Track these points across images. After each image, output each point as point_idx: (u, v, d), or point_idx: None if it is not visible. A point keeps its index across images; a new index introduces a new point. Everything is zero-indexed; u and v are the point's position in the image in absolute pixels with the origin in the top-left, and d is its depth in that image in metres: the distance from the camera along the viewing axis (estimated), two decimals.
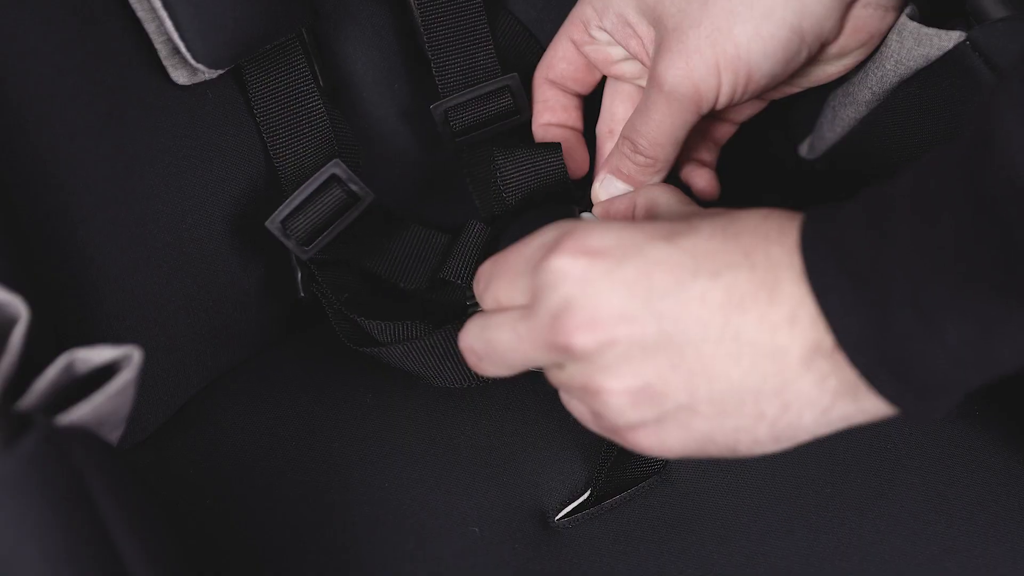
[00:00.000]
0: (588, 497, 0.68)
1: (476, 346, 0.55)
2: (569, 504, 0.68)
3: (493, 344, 0.54)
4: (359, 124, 0.75)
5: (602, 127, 0.73)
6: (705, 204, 0.72)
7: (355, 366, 0.72)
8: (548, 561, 0.66)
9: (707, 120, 0.72)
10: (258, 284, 0.72)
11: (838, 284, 0.47)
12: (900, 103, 0.67)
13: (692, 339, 0.49)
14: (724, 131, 0.73)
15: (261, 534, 0.66)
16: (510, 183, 0.71)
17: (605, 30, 0.68)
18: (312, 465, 0.68)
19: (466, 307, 0.70)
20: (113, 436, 0.54)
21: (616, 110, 0.72)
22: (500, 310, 0.54)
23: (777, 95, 0.70)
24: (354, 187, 0.70)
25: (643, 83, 0.70)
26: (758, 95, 0.65)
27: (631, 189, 0.67)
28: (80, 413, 0.49)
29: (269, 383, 0.72)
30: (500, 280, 0.55)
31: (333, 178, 0.69)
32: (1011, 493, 0.67)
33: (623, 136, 0.67)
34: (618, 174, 0.68)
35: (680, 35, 0.62)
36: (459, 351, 0.63)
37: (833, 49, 0.64)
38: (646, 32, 0.66)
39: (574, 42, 0.71)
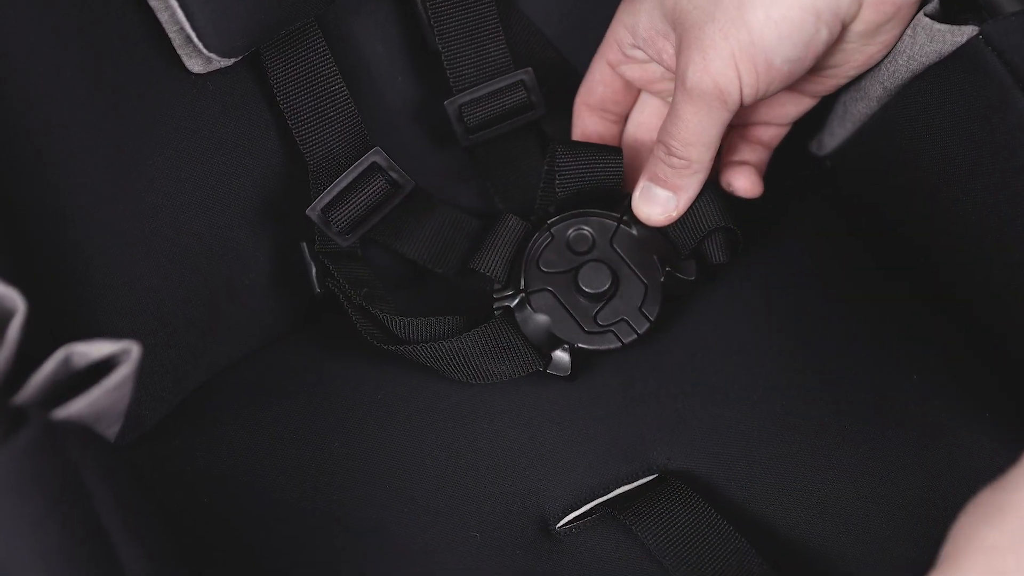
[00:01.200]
0: (591, 508, 0.68)
1: None
2: (571, 512, 0.68)
3: None
4: (364, 118, 0.75)
5: (626, 135, 0.75)
6: (747, 205, 0.73)
7: (357, 365, 0.72)
8: (549, 568, 0.66)
9: (752, 124, 0.73)
10: (261, 279, 0.73)
11: None
12: (912, 98, 0.67)
13: None
14: (772, 133, 0.73)
15: (258, 534, 0.66)
16: (567, 178, 0.71)
17: (639, 47, 0.70)
18: (311, 465, 0.68)
19: (492, 299, 0.70)
20: (110, 432, 0.54)
21: (641, 118, 0.74)
22: None
23: (824, 89, 0.70)
24: (395, 175, 0.71)
25: None
26: (788, 84, 0.65)
27: (671, 195, 0.68)
28: (77, 408, 0.49)
29: (269, 381, 0.73)
30: None
31: (374, 166, 0.70)
32: (991, 475, 0.67)
33: (658, 141, 0.68)
34: (656, 180, 0.69)
35: (697, 32, 0.63)
36: (484, 353, 0.67)
37: (858, 26, 0.64)
38: (673, 39, 0.67)
39: (610, 64, 0.72)
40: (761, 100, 0.65)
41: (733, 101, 0.64)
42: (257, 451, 0.69)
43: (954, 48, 0.63)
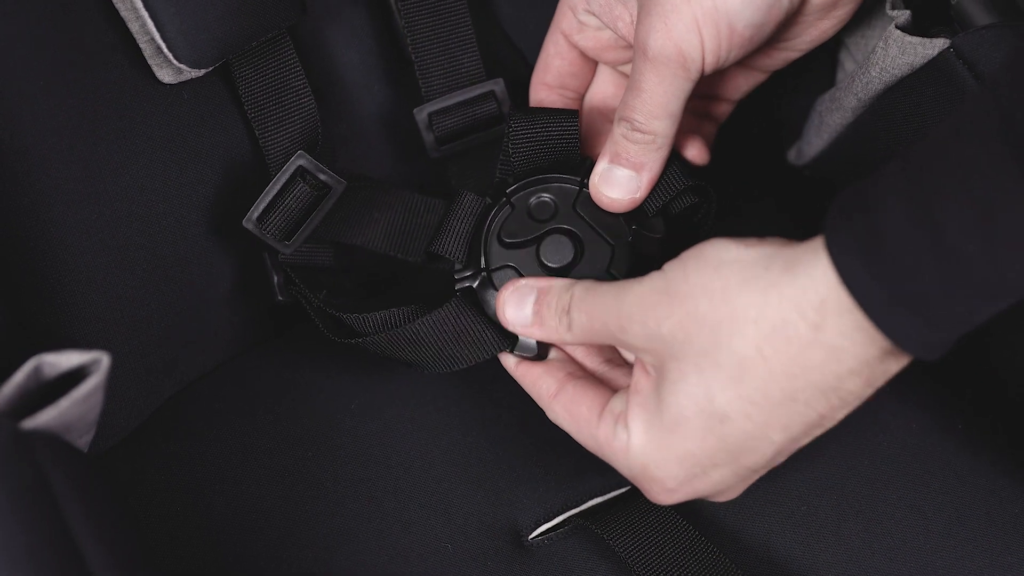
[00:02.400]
0: (564, 520, 0.69)
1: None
2: (544, 523, 0.69)
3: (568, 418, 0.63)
4: (338, 126, 0.76)
5: (584, 105, 0.73)
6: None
7: (330, 375, 0.73)
8: None
9: (702, 99, 0.72)
10: (234, 288, 0.73)
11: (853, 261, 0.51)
12: (885, 109, 0.68)
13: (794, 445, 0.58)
14: (722, 109, 0.73)
15: (229, 542, 0.67)
16: (522, 145, 0.69)
17: (593, 12, 0.69)
18: (284, 475, 0.69)
19: (454, 281, 0.69)
20: (82, 441, 0.55)
21: (597, 87, 0.73)
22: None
23: (775, 64, 0.69)
24: (323, 177, 0.70)
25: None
26: (748, 52, 0.64)
27: (633, 175, 0.66)
28: (46, 418, 0.50)
29: (243, 390, 0.73)
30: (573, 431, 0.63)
31: (300, 170, 0.70)
32: (991, 508, 0.68)
33: (618, 119, 0.66)
34: (618, 160, 0.66)
35: None
36: (442, 337, 0.66)
37: None
38: (631, 5, 0.66)
39: (564, 33, 0.71)
40: (719, 70, 0.64)
41: (696, 68, 0.63)
42: (230, 460, 0.70)
43: (926, 60, 0.64)
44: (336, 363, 0.73)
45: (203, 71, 0.66)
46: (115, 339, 0.67)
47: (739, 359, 0.54)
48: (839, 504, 0.69)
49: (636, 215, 0.68)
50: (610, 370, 0.65)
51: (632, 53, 0.67)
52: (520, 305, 0.64)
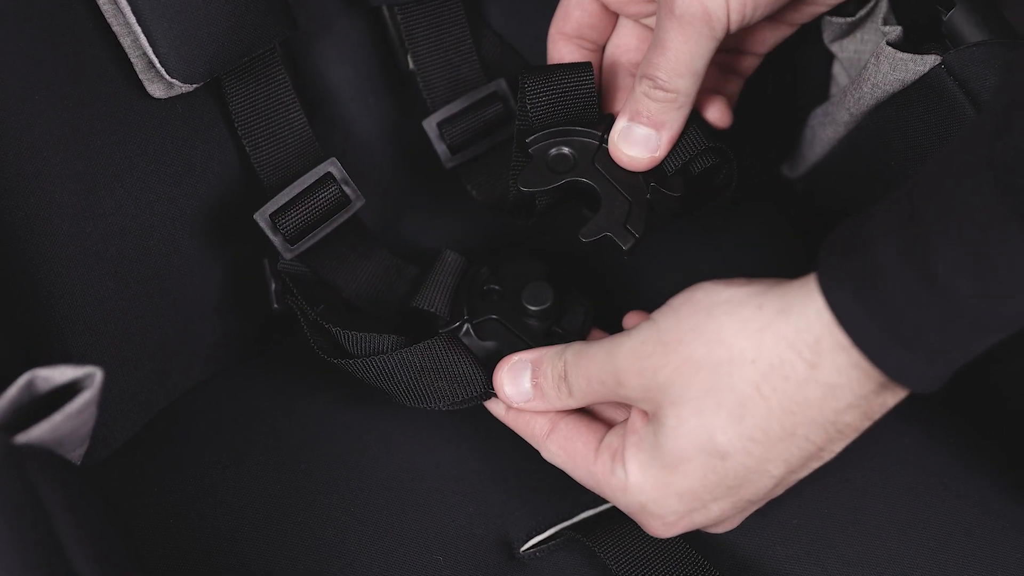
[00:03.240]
0: (555, 533, 0.69)
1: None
2: (535, 535, 0.69)
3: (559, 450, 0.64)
4: (334, 140, 0.77)
5: (605, 59, 0.72)
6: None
7: (324, 386, 0.74)
8: None
9: (728, 53, 0.72)
10: (227, 300, 0.74)
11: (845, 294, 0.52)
12: (877, 125, 0.69)
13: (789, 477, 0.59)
14: (748, 63, 0.73)
15: (222, 556, 0.67)
16: (538, 102, 0.68)
17: None
18: (276, 487, 0.70)
19: (439, 334, 0.70)
20: (75, 455, 0.55)
21: (619, 40, 0.72)
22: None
23: (803, 17, 0.69)
24: (347, 189, 0.71)
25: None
26: (773, 10, 0.64)
27: (653, 133, 0.66)
28: (38, 433, 0.51)
29: (237, 401, 0.74)
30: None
31: (328, 176, 0.71)
32: (983, 525, 0.69)
33: (640, 76, 0.65)
34: (638, 118, 0.66)
35: None
36: (430, 369, 0.66)
37: None
38: None
39: None
40: (744, 28, 0.65)
41: (721, 26, 0.63)
42: (223, 472, 0.71)
43: (917, 77, 0.65)
44: (329, 376, 0.73)
45: (194, 86, 0.67)
46: (108, 351, 0.68)
47: (739, 398, 0.56)
48: (830, 518, 0.69)
49: (655, 173, 0.67)
50: (600, 404, 0.66)
51: (654, 6, 0.67)
52: (517, 382, 0.65)
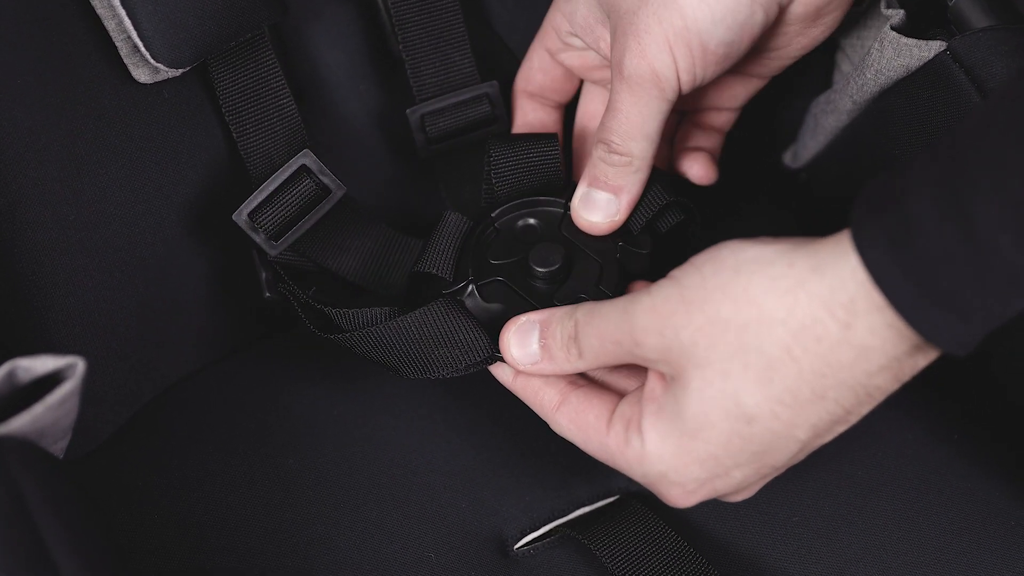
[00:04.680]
0: (551, 530, 0.69)
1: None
2: (530, 532, 0.69)
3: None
4: (325, 126, 0.77)
5: (576, 126, 0.74)
6: (704, 194, 0.73)
7: (313, 380, 0.73)
8: None
9: (702, 110, 0.73)
10: (214, 290, 0.74)
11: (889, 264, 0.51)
12: (880, 112, 0.69)
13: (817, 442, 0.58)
14: (724, 118, 0.74)
15: (208, 552, 0.67)
16: (503, 171, 0.71)
17: (576, 35, 0.70)
18: (265, 482, 0.70)
19: (441, 295, 0.69)
20: (57, 447, 0.55)
21: (589, 107, 0.74)
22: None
23: (770, 71, 0.70)
24: (325, 179, 0.71)
25: None
26: (726, 68, 0.65)
27: (612, 198, 0.67)
28: (18, 424, 0.50)
29: (223, 395, 0.74)
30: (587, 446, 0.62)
31: (303, 169, 0.70)
32: (987, 522, 0.69)
33: (597, 140, 0.67)
34: (596, 183, 0.67)
35: (631, 18, 0.63)
36: (430, 336, 0.66)
37: (797, 9, 0.65)
38: (609, 27, 0.67)
39: (549, 51, 0.73)
40: (701, 86, 0.66)
41: (671, 88, 0.64)
42: (209, 466, 0.70)
43: (921, 63, 0.65)
44: (318, 369, 0.73)
45: (180, 71, 0.67)
46: (92, 341, 0.68)
47: (768, 360, 0.54)
48: (831, 515, 0.69)
49: (622, 232, 0.69)
50: (610, 374, 0.65)
51: None
52: (524, 343, 0.63)
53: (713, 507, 0.69)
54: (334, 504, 0.69)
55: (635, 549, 0.67)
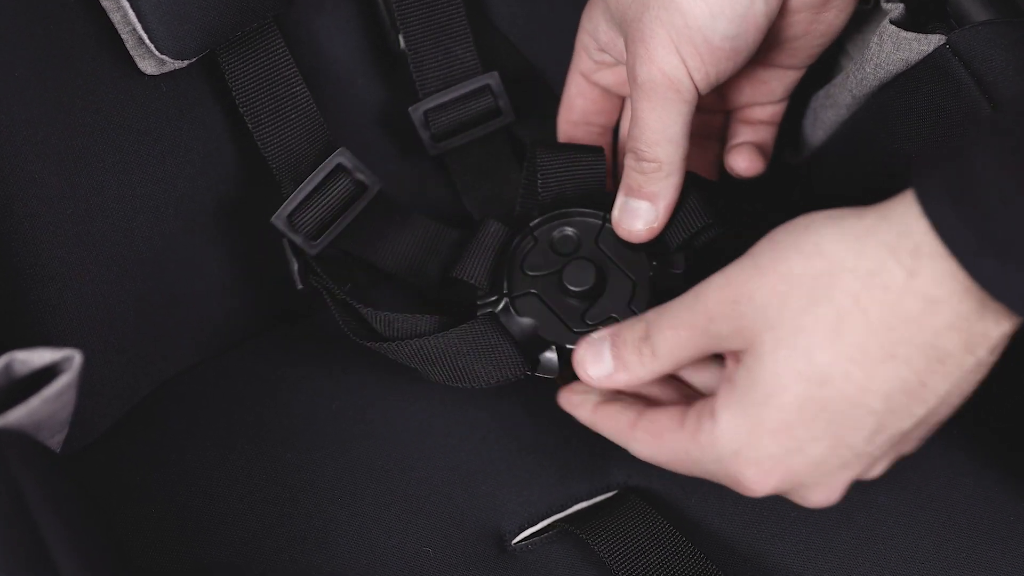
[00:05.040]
0: (549, 525, 0.69)
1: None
2: (528, 528, 0.69)
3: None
4: (327, 122, 0.76)
5: (620, 142, 0.75)
6: (746, 188, 0.73)
7: (311, 376, 0.73)
8: None
9: (745, 107, 0.73)
10: (212, 285, 0.74)
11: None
12: (880, 106, 0.69)
13: (908, 427, 0.56)
14: (770, 111, 0.74)
15: (206, 546, 0.67)
16: (549, 179, 0.71)
17: (605, 51, 0.70)
18: (263, 476, 0.70)
19: (476, 306, 0.70)
20: (54, 440, 0.55)
21: (628, 122, 0.73)
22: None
23: (800, 60, 0.70)
24: (361, 176, 0.71)
25: None
26: (740, 64, 0.65)
27: (649, 206, 0.67)
28: (15, 417, 0.50)
29: (221, 389, 0.74)
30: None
31: (339, 167, 0.71)
32: (987, 517, 0.69)
33: (627, 151, 0.67)
34: (631, 192, 0.68)
35: (637, 24, 0.64)
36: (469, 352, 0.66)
37: None
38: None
39: (583, 74, 0.73)
40: (723, 82, 0.66)
41: (687, 89, 0.64)
42: (206, 461, 0.70)
43: (921, 56, 0.65)
44: (317, 364, 0.73)
45: (186, 62, 0.67)
46: (89, 335, 0.68)
47: (837, 312, 0.53)
48: (831, 509, 0.69)
49: (657, 251, 0.70)
50: (686, 397, 0.63)
51: None
52: (598, 358, 0.61)
53: (713, 502, 0.69)
54: (332, 498, 0.69)
55: (633, 544, 0.67)
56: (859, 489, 0.70)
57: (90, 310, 0.68)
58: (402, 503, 0.69)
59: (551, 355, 0.69)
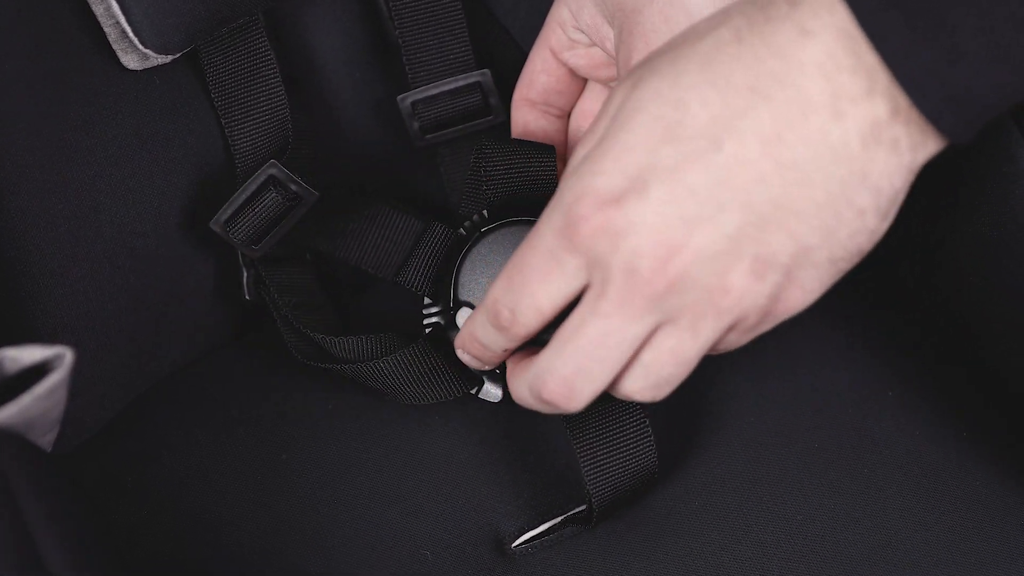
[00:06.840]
0: (548, 528, 0.69)
1: (563, 372, 0.55)
2: (528, 531, 0.69)
3: (581, 355, 0.54)
4: (319, 114, 0.77)
5: (571, 124, 0.73)
6: None
7: (306, 376, 0.73)
8: None
9: None
10: (206, 282, 0.74)
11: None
12: None
13: (762, 198, 0.50)
14: None
15: (199, 547, 0.68)
16: (496, 179, 0.70)
17: (582, 30, 0.69)
18: (257, 478, 0.70)
19: (423, 316, 0.70)
20: (45, 440, 0.55)
21: (586, 106, 0.73)
22: (549, 320, 0.56)
23: None
24: (294, 187, 0.71)
25: None
26: None
27: None
28: (6, 415, 0.51)
29: (216, 388, 0.74)
30: (532, 287, 0.55)
31: (271, 179, 0.70)
32: (996, 522, 0.68)
33: None
34: None
35: (637, 17, 0.63)
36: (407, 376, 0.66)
37: None
38: (613, 26, 0.67)
39: (552, 50, 0.71)
40: None
41: None
42: (201, 460, 0.71)
43: None
44: (311, 364, 0.73)
45: (170, 57, 0.67)
46: (81, 334, 0.68)
47: (716, 43, 0.51)
48: (835, 513, 0.69)
49: None
50: None
51: None
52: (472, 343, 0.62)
53: (717, 504, 0.69)
54: (327, 500, 0.69)
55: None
56: (865, 492, 0.70)
57: (83, 306, 0.68)
58: (400, 505, 0.69)
59: (491, 386, 0.69)
